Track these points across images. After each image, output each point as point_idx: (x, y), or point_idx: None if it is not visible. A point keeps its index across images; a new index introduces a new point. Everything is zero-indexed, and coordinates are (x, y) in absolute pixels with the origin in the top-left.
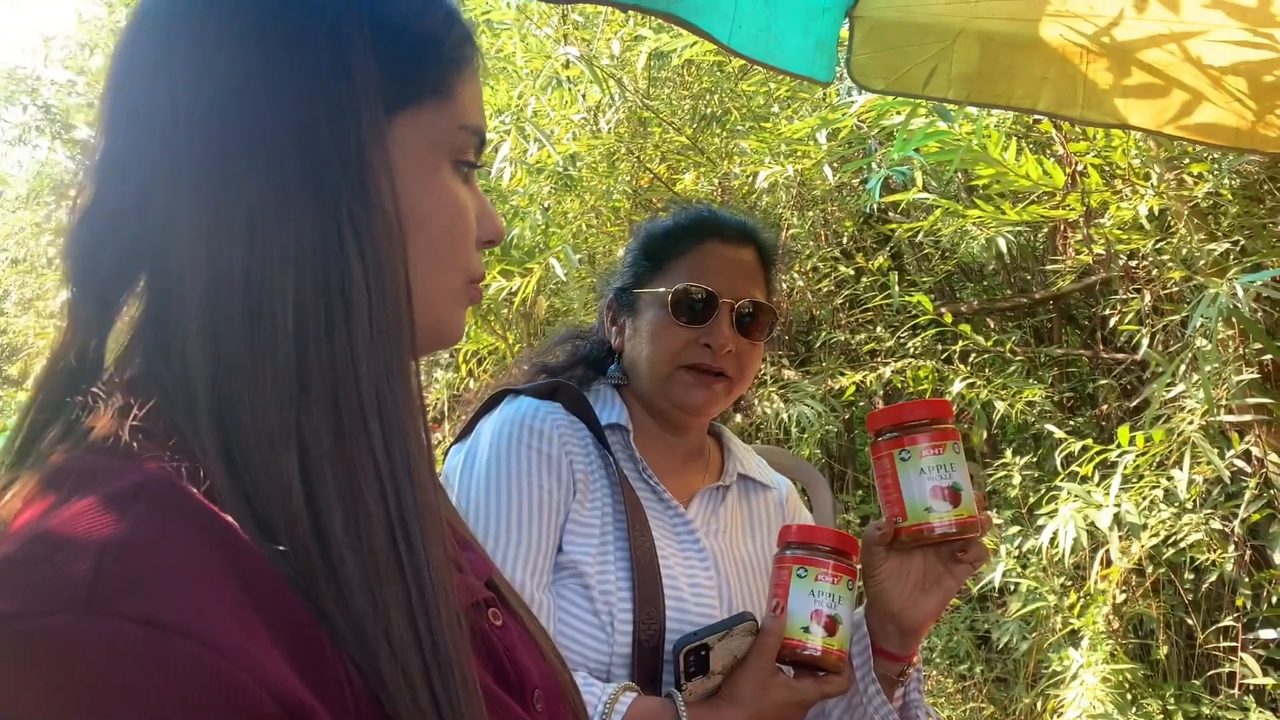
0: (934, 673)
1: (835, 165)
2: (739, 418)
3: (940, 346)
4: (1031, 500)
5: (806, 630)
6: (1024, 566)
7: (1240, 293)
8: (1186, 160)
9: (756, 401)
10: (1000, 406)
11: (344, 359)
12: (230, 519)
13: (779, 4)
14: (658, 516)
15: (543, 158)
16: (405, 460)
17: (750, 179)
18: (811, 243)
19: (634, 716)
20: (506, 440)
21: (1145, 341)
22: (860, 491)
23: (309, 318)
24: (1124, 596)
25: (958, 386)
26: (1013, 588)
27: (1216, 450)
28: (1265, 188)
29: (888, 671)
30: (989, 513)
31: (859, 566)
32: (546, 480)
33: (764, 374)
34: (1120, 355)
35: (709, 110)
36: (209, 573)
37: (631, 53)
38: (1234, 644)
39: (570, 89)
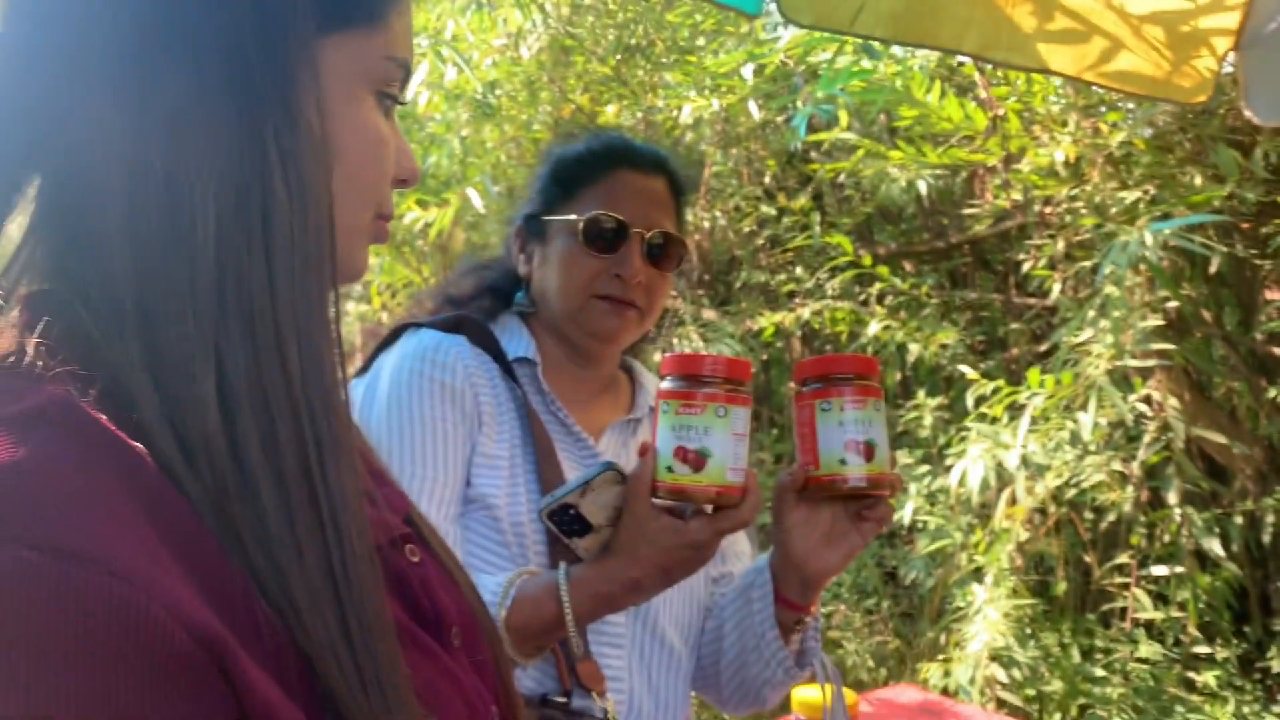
0: (842, 607)
1: (760, 102)
2: (658, 355)
3: (858, 288)
4: (942, 441)
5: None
6: (932, 505)
7: (1149, 240)
8: (1103, 109)
9: (676, 340)
10: (914, 349)
11: (260, 281)
12: (138, 445)
13: None
14: (567, 450)
15: (461, 83)
16: (320, 389)
17: (675, 113)
18: (734, 181)
19: (522, 597)
20: (407, 374)
21: (1056, 287)
22: (775, 430)
23: (229, 233)
24: (1027, 535)
25: (874, 328)
26: (921, 525)
27: (1120, 394)
28: (1176, 138)
29: (785, 619)
30: (899, 474)
31: (748, 390)
32: (450, 413)
33: (683, 313)
34: (1032, 300)
35: (634, 41)
36: (115, 500)
37: None
38: (1128, 580)
39: (491, 13)
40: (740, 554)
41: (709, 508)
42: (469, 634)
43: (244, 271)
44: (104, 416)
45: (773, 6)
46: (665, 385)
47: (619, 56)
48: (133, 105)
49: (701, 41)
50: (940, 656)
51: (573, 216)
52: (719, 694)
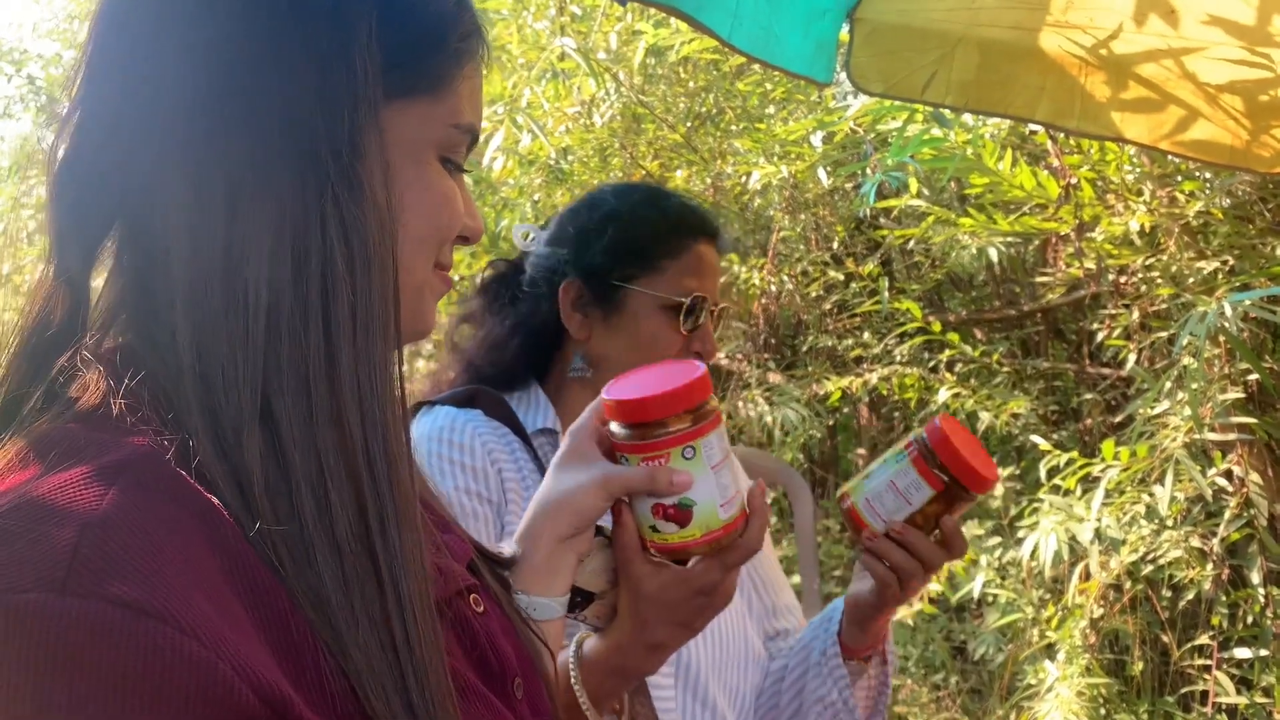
0: (909, 682)
1: (829, 169)
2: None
3: (927, 355)
4: (1014, 512)
5: (655, 530)
6: (1003, 578)
7: (1229, 311)
8: (1179, 178)
9: (740, 404)
10: (985, 417)
11: (317, 348)
12: (214, 499)
13: (781, 3)
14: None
15: (535, 149)
16: (382, 454)
17: (743, 179)
18: (802, 246)
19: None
20: (426, 457)
21: (1132, 357)
22: None
23: (283, 301)
24: (1101, 611)
25: (943, 395)
26: (991, 599)
27: (1199, 468)
28: (1256, 208)
29: (849, 667)
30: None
31: (712, 406)
32: (474, 493)
33: (749, 376)
34: (1106, 370)
35: (704, 109)
36: (191, 555)
37: (629, 47)
38: (1208, 662)
39: (565, 82)
40: (789, 607)
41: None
42: (530, 684)
43: (299, 339)
44: (184, 471)
45: (843, 75)
46: (617, 432)
47: (689, 124)
48: (195, 172)
49: (771, 110)
50: None
51: (661, 293)
52: None
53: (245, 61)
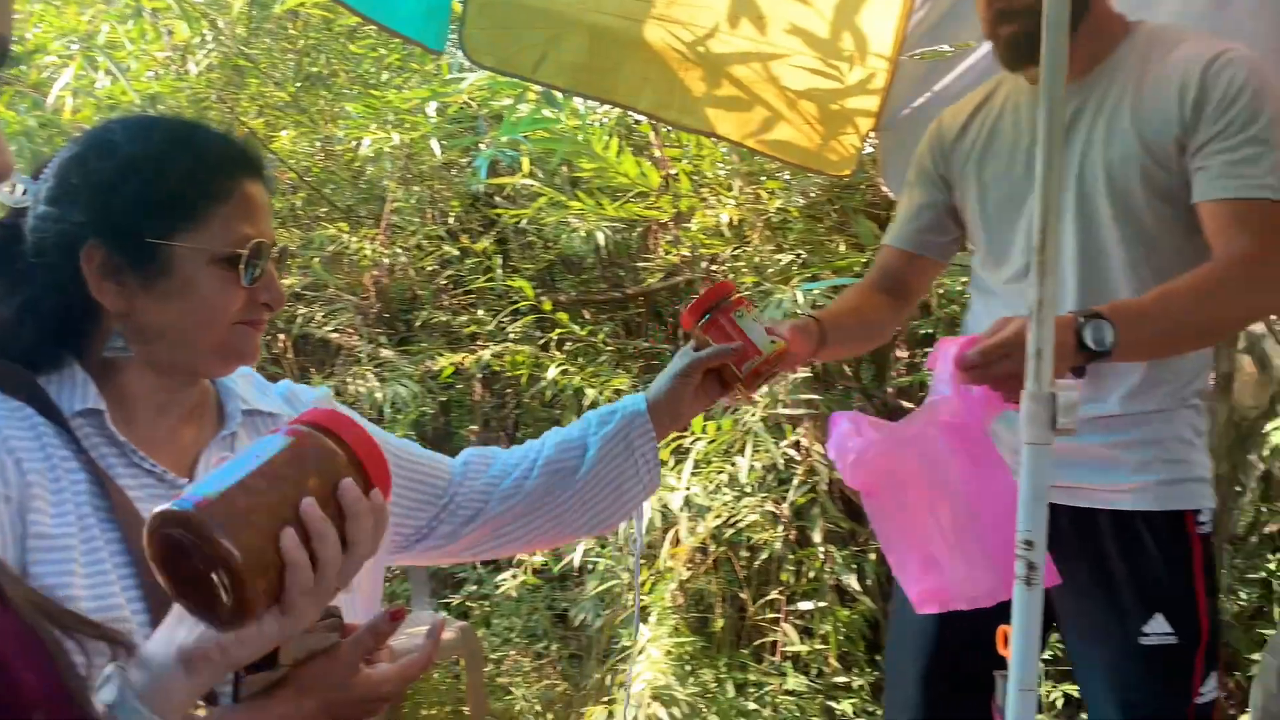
0: (512, 653)
1: (443, 141)
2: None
3: (539, 333)
4: None
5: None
6: (602, 546)
7: (800, 299)
8: (763, 177)
9: (350, 379)
10: (590, 393)
11: None
12: None
13: None
14: (160, 502)
15: (115, 92)
16: None
17: (354, 145)
18: (416, 219)
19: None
20: None
21: None
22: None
23: None
24: (689, 574)
25: (552, 373)
26: (591, 567)
27: (773, 440)
28: (825, 209)
29: None
30: None
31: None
32: None
33: (359, 351)
34: None
35: (314, 69)
36: None
37: None
38: (778, 615)
39: (154, 23)
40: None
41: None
42: (58, 712)
43: None
44: None
45: (457, 47)
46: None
47: (298, 83)
48: None
49: (386, 76)
50: (605, 698)
51: (210, 246)
52: (560, 520)
53: None
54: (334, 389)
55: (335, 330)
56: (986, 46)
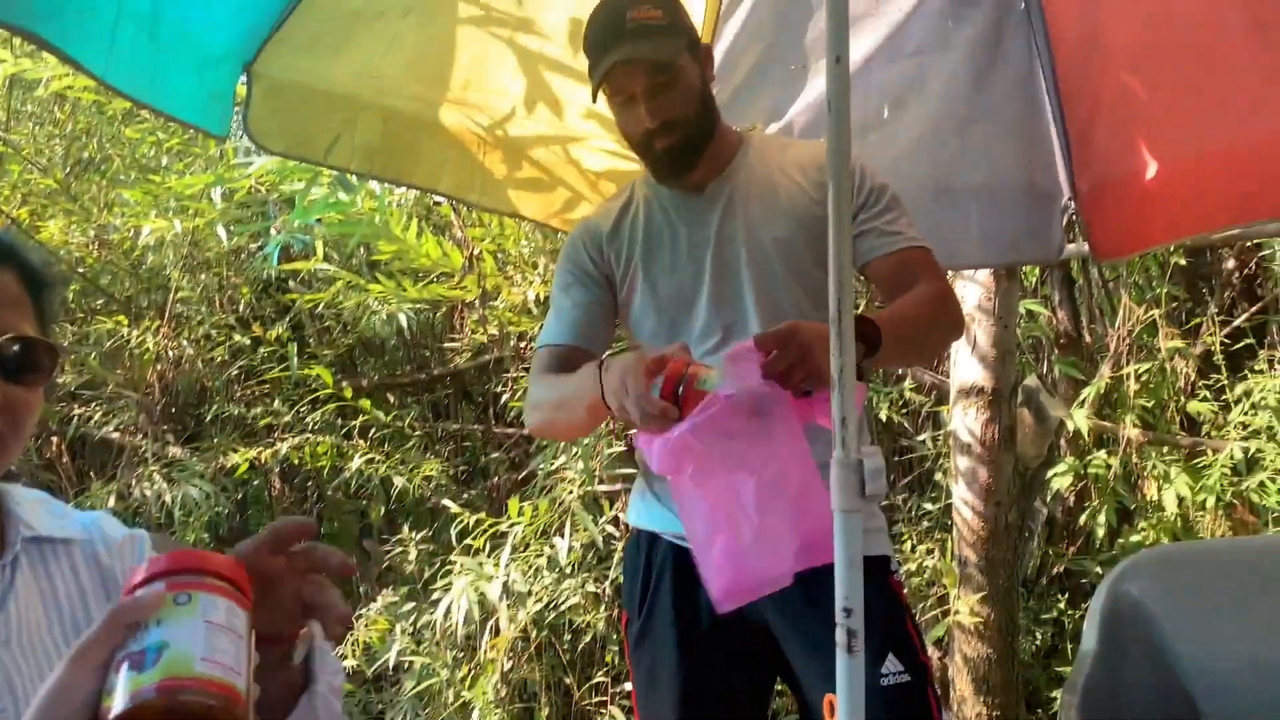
0: None
1: (230, 227)
2: (112, 500)
3: (340, 421)
4: (427, 575)
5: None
6: (419, 643)
7: None
8: None
9: (135, 482)
10: (399, 482)
11: None
12: None
13: (165, 44)
14: None
15: None
16: None
17: (132, 233)
18: (204, 308)
19: None
20: None
21: None
22: None
23: None
24: (511, 663)
25: (357, 462)
26: (407, 666)
27: (591, 517)
28: None
29: None
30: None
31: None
32: None
33: (145, 451)
34: (510, 430)
35: (86, 154)
36: None
37: None
38: (604, 698)
39: None
40: None
41: None
42: None
43: None
44: None
45: (243, 131)
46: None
47: (67, 170)
48: None
49: (166, 161)
50: None
51: None
52: None
53: None
54: (117, 493)
55: (117, 430)
56: (777, 124)
